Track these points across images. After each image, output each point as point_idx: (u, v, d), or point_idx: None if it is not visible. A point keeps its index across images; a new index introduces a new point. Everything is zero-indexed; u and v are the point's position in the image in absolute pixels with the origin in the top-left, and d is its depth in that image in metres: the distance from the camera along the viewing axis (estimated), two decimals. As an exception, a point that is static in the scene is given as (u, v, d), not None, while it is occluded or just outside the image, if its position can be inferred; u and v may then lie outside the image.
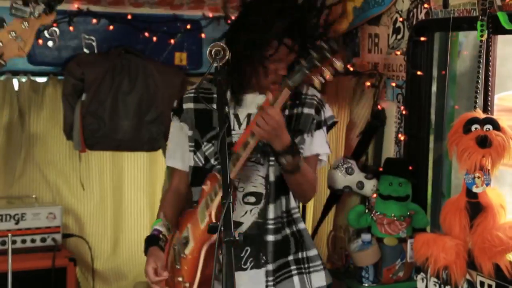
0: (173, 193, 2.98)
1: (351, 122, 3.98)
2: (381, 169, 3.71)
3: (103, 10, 4.53)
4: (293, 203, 2.85)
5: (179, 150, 2.92)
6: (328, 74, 2.50)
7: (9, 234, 3.95)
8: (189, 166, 2.87)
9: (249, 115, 2.81)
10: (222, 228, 1.94)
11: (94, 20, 4.50)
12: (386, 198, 3.59)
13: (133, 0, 4.51)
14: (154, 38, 4.66)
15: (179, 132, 2.92)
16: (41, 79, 4.44)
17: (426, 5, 3.49)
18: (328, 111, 2.90)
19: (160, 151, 4.53)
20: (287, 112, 2.78)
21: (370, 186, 3.67)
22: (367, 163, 3.92)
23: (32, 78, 4.41)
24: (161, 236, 2.80)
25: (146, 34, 4.62)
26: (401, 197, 3.57)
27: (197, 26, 4.68)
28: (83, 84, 4.30)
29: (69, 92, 4.33)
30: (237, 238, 1.92)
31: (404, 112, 3.70)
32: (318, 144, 2.84)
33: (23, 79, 4.38)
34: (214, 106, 2.58)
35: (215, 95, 2.71)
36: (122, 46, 4.52)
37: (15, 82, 4.37)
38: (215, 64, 2.39)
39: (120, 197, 4.73)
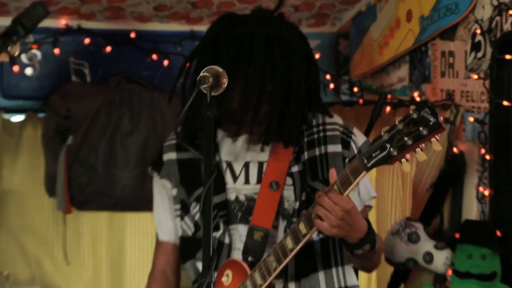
0: (159, 280, 3.04)
1: (419, 171, 3.95)
2: (457, 235, 3.65)
3: (99, 26, 4.70)
4: (352, 280, 2.87)
5: (166, 217, 2.97)
6: (421, 156, 2.40)
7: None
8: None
9: (247, 165, 2.83)
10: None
11: (87, 40, 4.66)
12: (464, 276, 3.52)
13: (138, 13, 4.64)
14: (165, 62, 4.78)
15: (162, 193, 2.96)
16: (17, 118, 4.59)
17: (513, 12, 3.48)
18: (359, 137, 2.90)
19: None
20: (305, 156, 2.80)
21: (442, 258, 3.61)
22: (442, 227, 3.86)
23: (5, 116, 4.54)
24: None
25: (154, 56, 4.74)
26: (485, 275, 3.50)
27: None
28: (70, 124, 4.40)
29: (51, 134, 4.45)
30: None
31: (488, 157, 3.65)
32: (362, 190, 2.85)
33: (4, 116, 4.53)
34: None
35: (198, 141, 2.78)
36: (123, 73, 4.64)
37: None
38: (206, 95, 2.40)
39: (119, 273, 4.83)
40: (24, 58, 4.57)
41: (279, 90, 2.71)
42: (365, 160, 2.43)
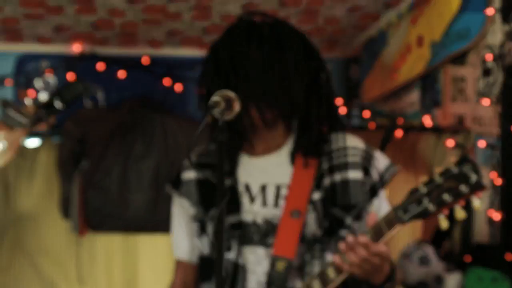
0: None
1: (431, 195, 3.94)
2: (468, 258, 3.65)
3: (112, 52, 4.75)
4: None
5: (184, 236, 2.96)
6: (460, 214, 2.34)
7: None
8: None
9: (264, 187, 2.75)
10: None
11: (101, 65, 4.68)
12: (475, 299, 3.53)
13: (151, 38, 4.68)
14: (178, 87, 4.79)
15: (180, 212, 2.88)
16: (32, 143, 4.61)
17: (523, 37, 3.50)
18: (381, 161, 2.75)
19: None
20: (326, 181, 2.70)
21: (452, 282, 3.61)
22: (453, 251, 3.87)
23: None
24: None
25: (167, 81, 4.76)
26: (497, 298, 3.50)
27: (234, 70, 4.78)
28: (84, 148, 4.43)
29: (66, 158, 4.47)
30: None
31: (499, 182, 3.65)
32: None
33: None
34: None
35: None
36: (136, 98, 4.67)
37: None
38: (218, 119, 2.41)
39: (134, 294, 4.82)
40: (38, 83, 4.60)
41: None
42: (400, 213, 2.35)
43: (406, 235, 4.10)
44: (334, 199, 2.66)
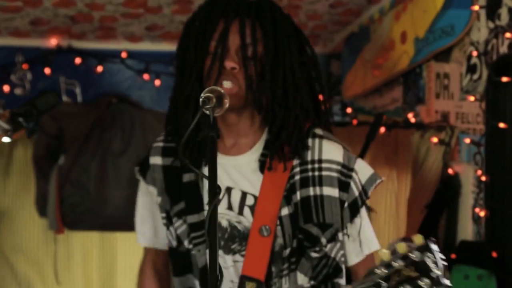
0: (152, 277, 2.92)
1: (414, 191, 3.94)
2: (453, 256, 3.64)
3: (90, 46, 4.68)
4: None
5: (148, 223, 2.79)
6: None
7: None
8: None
9: (228, 190, 2.59)
10: None
11: (78, 60, 4.63)
12: (460, 297, 3.52)
13: (128, 33, 4.62)
14: (157, 82, 4.74)
15: (146, 198, 2.79)
16: (6, 138, 4.52)
17: (509, 34, 3.47)
18: (362, 173, 2.60)
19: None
20: (298, 196, 2.53)
21: (438, 279, 3.59)
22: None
23: (-5, 135, 4.50)
24: None
25: (146, 76, 4.71)
26: (482, 296, 3.49)
27: (213, 65, 4.74)
28: (60, 144, 4.36)
29: (42, 154, 4.41)
30: None
31: (483, 179, 3.64)
32: (364, 241, 2.61)
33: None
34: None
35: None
36: (114, 93, 4.61)
37: (-30, 142, 4.49)
38: (208, 115, 2.33)
39: (111, 294, 4.75)
40: (13, 78, 4.53)
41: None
42: None
43: (391, 232, 4.09)
44: (308, 216, 2.53)
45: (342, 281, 2.56)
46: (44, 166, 4.41)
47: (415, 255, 2.07)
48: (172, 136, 2.71)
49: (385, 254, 2.20)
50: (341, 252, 2.55)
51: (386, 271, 2.10)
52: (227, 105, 2.29)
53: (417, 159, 3.97)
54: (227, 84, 2.43)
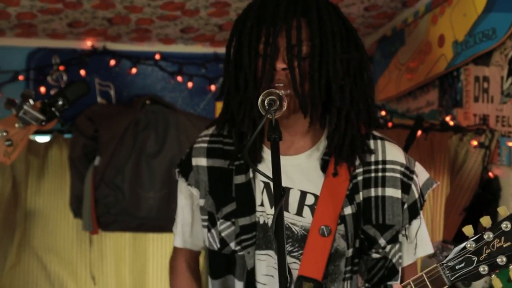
0: (185, 276, 2.89)
1: (453, 194, 3.92)
2: (495, 259, 3.62)
3: (124, 48, 4.67)
4: None
5: (188, 225, 2.78)
6: (497, 285, 2.18)
7: None
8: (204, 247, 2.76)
9: (304, 195, 2.55)
10: None
11: (112, 62, 4.63)
12: (502, 300, 3.49)
13: (163, 35, 4.61)
14: (189, 84, 4.74)
15: (186, 200, 2.76)
16: (42, 138, 4.54)
17: (551, 37, 3.47)
18: (421, 176, 2.63)
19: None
20: (360, 196, 2.53)
21: (481, 282, 3.57)
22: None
23: (31, 137, 4.48)
24: None
25: (180, 78, 4.70)
26: (525, 299, 3.46)
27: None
28: (97, 145, 4.35)
29: (78, 155, 4.40)
30: None
31: (525, 183, 3.64)
32: (420, 244, 2.59)
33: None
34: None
35: (232, 148, 2.62)
36: (148, 95, 4.60)
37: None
38: (269, 117, 2.32)
39: (142, 294, 4.75)
40: (49, 79, 4.53)
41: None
42: (447, 272, 2.21)
43: (430, 235, 4.08)
44: (368, 217, 2.52)
45: (397, 283, 2.49)
46: (79, 167, 4.40)
47: (504, 225, 2.10)
48: (222, 137, 2.70)
49: (469, 229, 2.20)
50: (399, 254, 2.55)
51: (475, 245, 2.15)
52: (285, 107, 2.30)
53: (455, 162, 3.96)
54: (280, 85, 2.44)
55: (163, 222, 4.46)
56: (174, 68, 4.74)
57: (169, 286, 4.63)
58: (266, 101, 2.28)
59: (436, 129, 4.07)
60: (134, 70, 4.66)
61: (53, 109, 2.94)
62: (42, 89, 4.48)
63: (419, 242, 2.59)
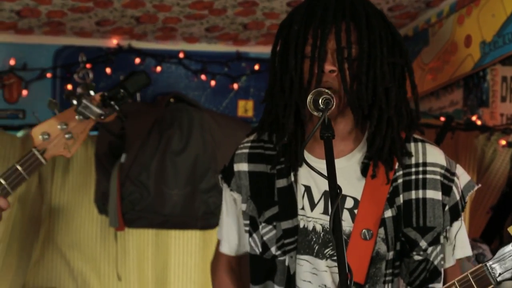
0: (229, 278, 2.86)
1: (479, 193, 3.94)
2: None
3: (149, 46, 4.68)
4: None
5: (231, 230, 2.80)
6: None
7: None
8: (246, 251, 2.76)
9: (326, 194, 2.55)
10: None
11: (137, 60, 4.64)
12: (532, 297, 3.50)
13: (187, 34, 4.61)
14: (213, 82, 4.74)
15: (230, 204, 2.78)
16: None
17: None
18: (462, 178, 2.60)
19: (217, 230, 4.54)
20: (401, 199, 2.51)
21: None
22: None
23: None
24: None
25: (203, 77, 4.71)
26: (553, 295, 3.48)
27: (267, 66, 4.73)
28: (123, 142, 4.35)
29: (104, 152, 4.39)
30: None
31: (553, 181, 3.65)
32: (459, 245, 2.57)
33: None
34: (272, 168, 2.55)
35: (275, 153, 2.61)
36: (172, 93, 4.60)
37: (36, 139, 4.46)
38: (316, 114, 2.31)
39: (164, 291, 4.74)
40: (76, 76, 4.52)
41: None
42: (492, 271, 2.21)
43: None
44: (408, 219, 2.50)
45: (439, 285, 2.52)
46: (106, 163, 4.39)
47: None
48: (263, 142, 2.70)
49: None
50: (441, 255, 2.53)
51: None
52: (334, 106, 2.29)
53: (482, 161, 3.97)
54: (328, 87, 2.42)
55: (187, 219, 4.46)
56: (197, 66, 4.74)
57: (190, 281, 4.68)
58: (321, 100, 2.28)
59: (461, 128, 4.08)
60: (158, 69, 4.66)
61: (112, 102, 2.93)
62: (69, 87, 4.48)
63: (458, 243, 2.58)
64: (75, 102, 2.87)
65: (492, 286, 2.23)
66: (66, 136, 2.89)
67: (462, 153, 4.08)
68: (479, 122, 4.03)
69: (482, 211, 3.89)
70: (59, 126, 2.91)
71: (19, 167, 2.87)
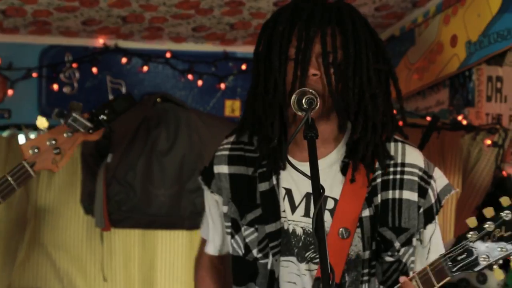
0: (211, 273, 2.85)
1: (465, 193, 3.92)
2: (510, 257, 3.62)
3: (136, 46, 4.66)
4: None
5: (218, 231, 2.78)
6: (499, 275, 2.26)
7: None
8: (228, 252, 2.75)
9: (308, 196, 2.54)
10: None
11: (124, 59, 4.62)
12: (517, 296, 3.51)
13: (174, 34, 4.59)
14: (199, 82, 4.73)
15: (213, 206, 2.76)
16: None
17: None
18: (439, 181, 2.59)
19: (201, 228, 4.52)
20: (379, 198, 2.50)
21: (495, 279, 3.58)
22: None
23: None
24: None
25: (190, 76, 4.69)
26: (538, 295, 3.48)
27: (254, 66, 4.73)
28: (109, 142, 4.33)
29: (90, 152, 4.37)
30: None
31: (538, 181, 3.64)
32: (433, 249, 2.55)
33: (32, 135, 4.41)
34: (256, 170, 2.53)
35: (255, 155, 2.60)
36: (159, 93, 4.59)
37: (21, 139, 4.45)
38: (300, 114, 2.30)
39: (151, 291, 4.72)
40: (62, 76, 4.51)
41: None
42: (450, 263, 2.25)
43: (443, 232, 4.07)
44: (384, 219, 2.50)
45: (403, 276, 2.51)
46: (91, 163, 4.38)
47: (505, 214, 2.14)
48: (243, 144, 2.68)
49: (472, 221, 2.24)
50: (412, 258, 2.53)
51: (476, 234, 2.19)
52: (318, 107, 2.28)
53: (467, 160, 3.96)
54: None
55: (174, 219, 4.44)
56: (184, 66, 4.73)
57: (177, 281, 4.66)
58: (304, 100, 2.27)
59: (447, 128, 4.07)
60: (145, 68, 4.65)
61: (101, 117, 3.01)
62: (55, 87, 4.45)
63: (432, 247, 2.56)
64: (62, 121, 2.96)
65: (448, 278, 2.26)
66: (55, 151, 2.98)
67: (448, 153, 4.07)
68: (464, 122, 4.01)
69: (467, 211, 3.88)
70: (47, 142, 3.00)
71: (9, 178, 2.94)
